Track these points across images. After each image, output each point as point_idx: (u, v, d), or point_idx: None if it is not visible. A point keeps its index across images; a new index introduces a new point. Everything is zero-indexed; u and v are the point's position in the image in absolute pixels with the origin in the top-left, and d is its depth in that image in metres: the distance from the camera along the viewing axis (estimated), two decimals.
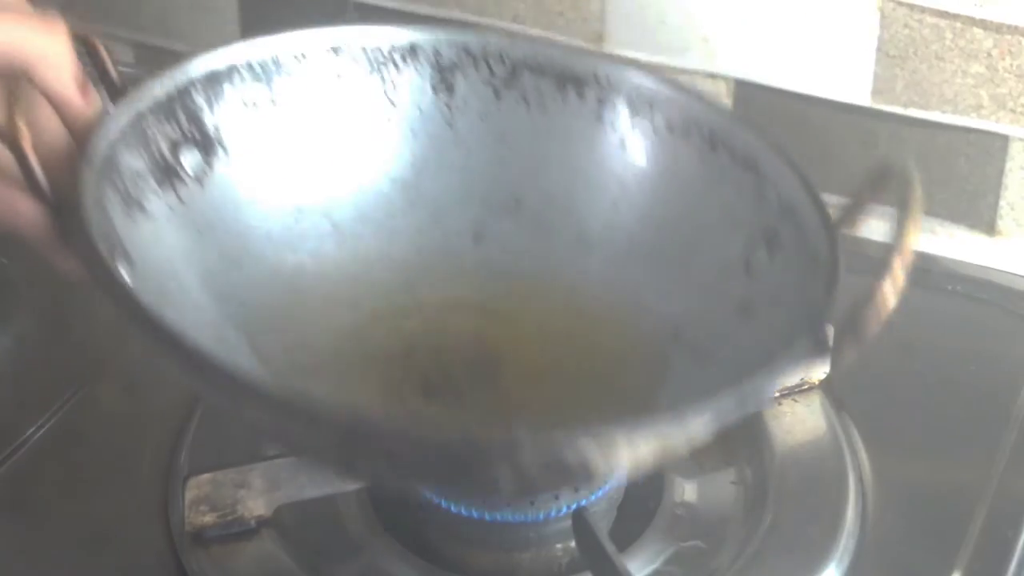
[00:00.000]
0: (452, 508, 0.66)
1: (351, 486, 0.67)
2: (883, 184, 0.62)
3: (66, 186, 0.59)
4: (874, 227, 0.62)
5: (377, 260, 0.72)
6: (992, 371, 0.77)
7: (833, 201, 0.63)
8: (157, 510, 0.68)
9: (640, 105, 0.71)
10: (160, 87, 0.66)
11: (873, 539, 0.68)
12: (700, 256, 0.69)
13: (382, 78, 0.72)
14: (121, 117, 0.63)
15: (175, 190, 0.66)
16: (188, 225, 0.66)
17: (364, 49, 0.72)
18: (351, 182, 0.72)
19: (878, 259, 0.60)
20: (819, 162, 0.69)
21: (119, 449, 0.72)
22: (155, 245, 0.63)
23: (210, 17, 0.98)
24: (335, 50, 0.71)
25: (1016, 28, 0.79)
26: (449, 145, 0.73)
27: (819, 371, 0.74)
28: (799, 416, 0.73)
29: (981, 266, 0.84)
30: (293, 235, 0.70)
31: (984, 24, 0.80)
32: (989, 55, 0.80)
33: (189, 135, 0.67)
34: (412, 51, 0.72)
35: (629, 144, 0.72)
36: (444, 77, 0.73)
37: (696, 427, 0.55)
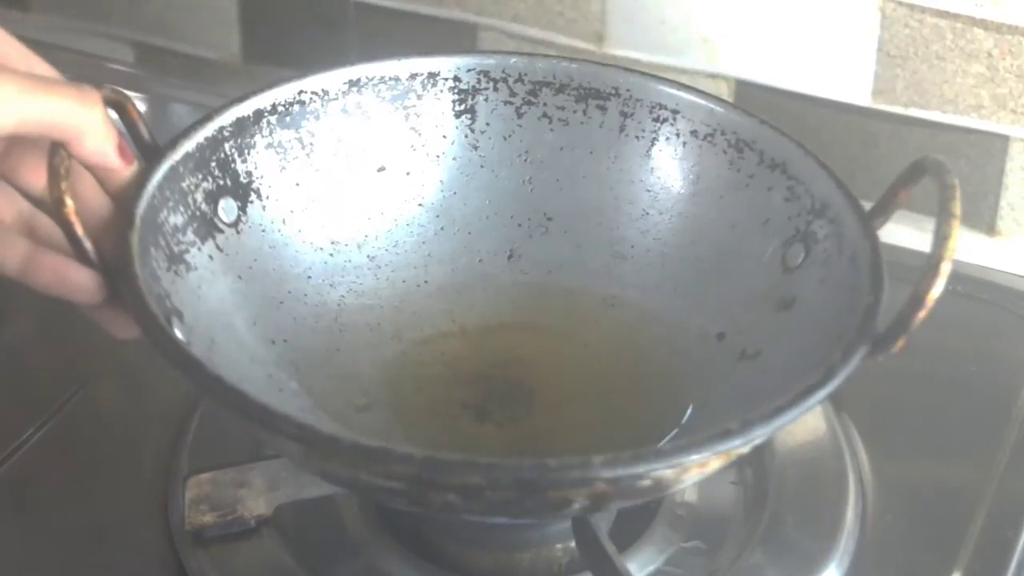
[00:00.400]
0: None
1: None
2: (916, 179, 0.62)
3: (112, 250, 0.60)
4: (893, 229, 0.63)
5: (415, 287, 0.73)
6: (992, 371, 0.77)
7: None
8: (157, 510, 0.68)
9: (663, 114, 0.72)
10: (191, 141, 0.67)
11: (873, 539, 0.68)
12: (736, 258, 0.70)
13: (404, 108, 0.73)
14: (157, 175, 0.64)
15: (214, 240, 0.67)
16: (229, 272, 0.67)
17: (384, 80, 0.73)
18: (382, 213, 0.74)
19: (896, 262, 0.61)
20: None
21: (119, 449, 0.72)
22: (200, 296, 0.65)
23: (210, 17, 0.98)
24: (356, 85, 0.72)
25: (1017, 28, 0.79)
26: (475, 168, 0.74)
27: None
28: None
29: (981, 266, 0.84)
30: (331, 271, 0.71)
31: (985, 24, 0.80)
32: (990, 55, 0.80)
33: (223, 184, 0.68)
34: (432, 79, 0.73)
35: (655, 153, 0.73)
36: (465, 101, 0.74)
37: (763, 435, 0.55)
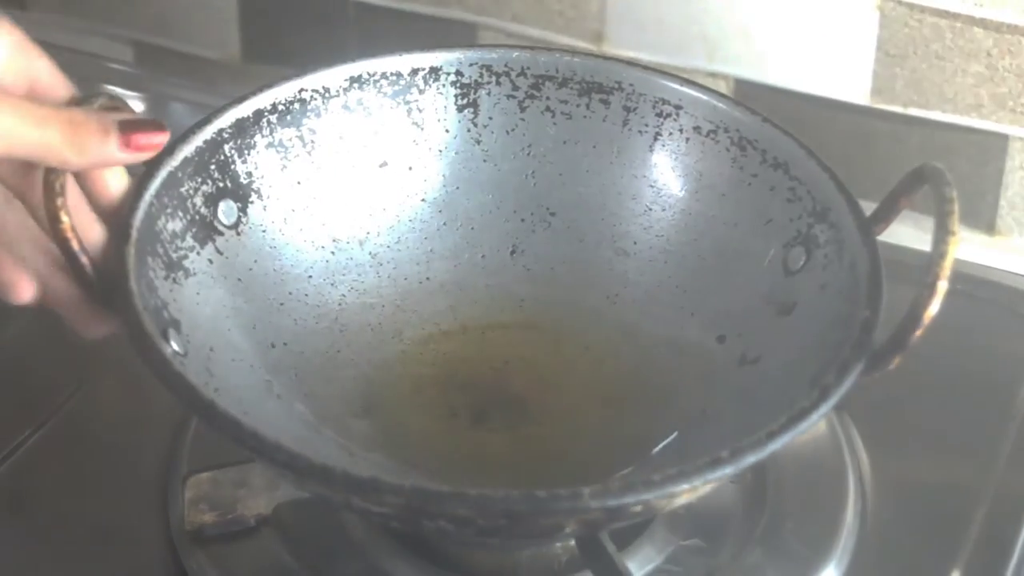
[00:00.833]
0: None
1: None
2: (916, 187, 0.62)
3: (108, 263, 0.60)
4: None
5: (417, 285, 0.73)
6: (992, 370, 0.77)
7: None
8: (157, 509, 0.68)
9: (666, 109, 0.72)
10: (189, 145, 0.67)
11: (873, 537, 0.68)
12: (738, 258, 0.70)
13: (406, 103, 0.73)
14: (154, 183, 0.64)
15: (213, 243, 0.67)
16: (229, 275, 0.67)
17: (386, 76, 0.72)
18: (384, 209, 0.73)
19: (897, 261, 0.61)
20: None
21: (119, 448, 0.72)
22: (199, 302, 0.65)
23: (209, 16, 0.98)
24: (357, 81, 0.72)
25: (1016, 27, 0.79)
26: (478, 162, 0.74)
27: None
28: None
29: (981, 265, 0.84)
30: (332, 270, 0.71)
31: (984, 23, 0.80)
32: (989, 54, 0.80)
33: (223, 187, 0.68)
34: (434, 73, 0.73)
35: (658, 148, 0.73)
36: (468, 96, 0.74)
37: (754, 461, 0.55)
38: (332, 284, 0.71)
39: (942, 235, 0.58)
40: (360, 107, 0.72)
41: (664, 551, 0.67)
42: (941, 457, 0.73)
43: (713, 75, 0.86)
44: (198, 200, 0.67)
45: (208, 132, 0.67)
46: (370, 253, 0.73)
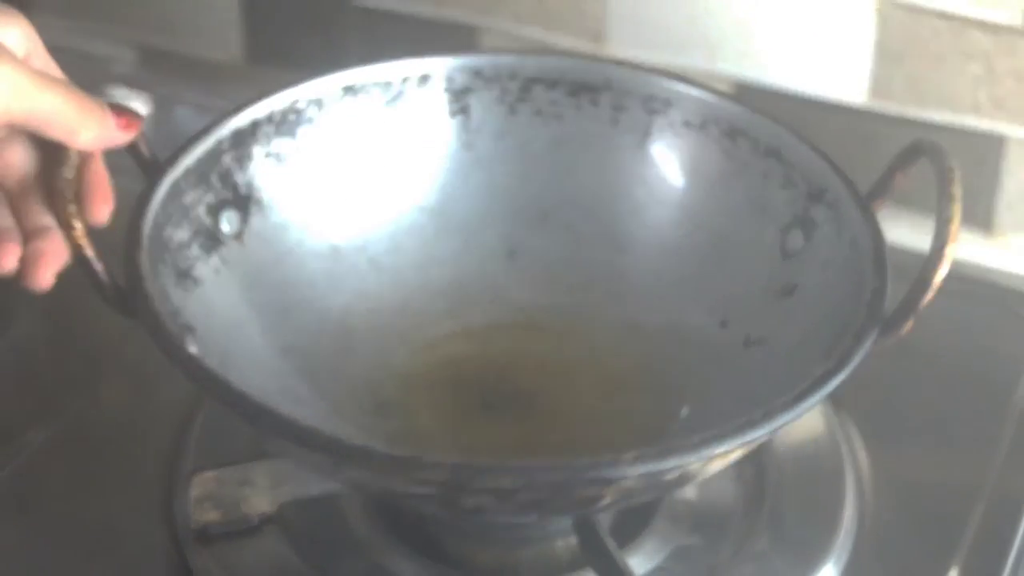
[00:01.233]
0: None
1: None
2: (913, 160, 0.63)
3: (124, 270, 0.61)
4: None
5: (418, 290, 0.73)
6: (989, 369, 0.77)
7: None
8: (161, 508, 0.69)
9: (655, 105, 0.72)
10: (190, 156, 0.67)
11: (871, 536, 0.68)
12: (735, 246, 0.70)
13: (398, 110, 0.73)
14: (160, 192, 0.65)
15: (218, 252, 0.68)
16: (234, 284, 0.68)
17: (377, 84, 0.73)
18: (382, 217, 0.74)
19: (896, 262, 0.62)
20: None
21: (123, 447, 0.73)
22: (210, 310, 0.65)
23: (212, 18, 0.98)
24: (350, 90, 0.72)
25: (1014, 29, 0.79)
26: (471, 167, 0.74)
27: None
28: None
29: (978, 266, 0.84)
30: (334, 277, 0.72)
31: (982, 24, 0.80)
32: (987, 55, 0.80)
33: (224, 197, 0.69)
34: (424, 80, 0.73)
35: (649, 144, 0.73)
36: (459, 101, 0.74)
37: (786, 422, 0.56)
38: (335, 291, 0.72)
39: (946, 200, 0.59)
40: (354, 116, 0.73)
41: (665, 549, 0.67)
42: (939, 455, 0.73)
43: (713, 75, 0.87)
44: (201, 210, 0.67)
45: (208, 142, 0.68)
46: (370, 260, 0.73)
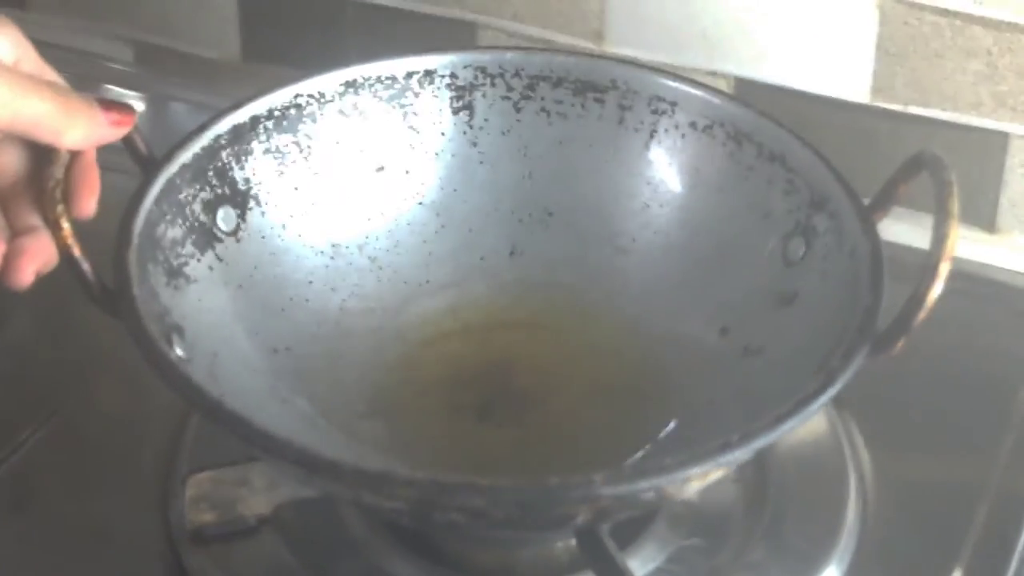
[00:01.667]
0: None
1: None
2: (914, 174, 0.63)
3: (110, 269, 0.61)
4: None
5: (417, 287, 0.73)
6: (992, 369, 0.77)
7: None
8: (157, 509, 0.68)
9: (661, 106, 0.72)
10: (187, 152, 0.67)
11: (874, 537, 0.68)
12: (737, 251, 0.70)
13: (402, 106, 0.73)
14: (153, 190, 0.64)
15: (213, 250, 0.67)
16: (229, 282, 0.67)
17: (380, 80, 0.73)
18: (382, 213, 0.74)
19: (896, 260, 0.62)
20: None
21: (119, 448, 0.73)
22: (201, 309, 0.65)
23: (210, 16, 0.98)
24: (352, 86, 0.72)
25: (1016, 25, 0.79)
26: (474, 164, 0.74)
27: None
28: None
29: (981, 264, 0.84)
30: (332, 275, 0.71)
31: (984, 21, 0.80)
32: (989, 52, 0.80)
33: (221, 193, 0.68)
34: (428, 76, 0.73)
35: (654, 145, 0.73)
36: (463, 98, 0.74)
37: (764, 444, 0.56)
38: (333, 289, 0.71)
39: (942, 216, 0.58)
40: (356, 112, 0.73)
41: (665, 550, 0.67)
42: (942, 455, 0.73)
43: (713, 74, 0.87)
44: (197, 207, 0.67)
45: (205, 139, 0.68)
46: (369, 257, 0.73)
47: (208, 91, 0.94)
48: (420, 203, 0.74)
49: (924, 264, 0.58)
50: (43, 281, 0.78)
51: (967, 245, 0.84)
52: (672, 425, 0.67)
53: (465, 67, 0.74)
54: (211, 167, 0.68)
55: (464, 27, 0.91)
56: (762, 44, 0.85)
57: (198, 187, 0.67)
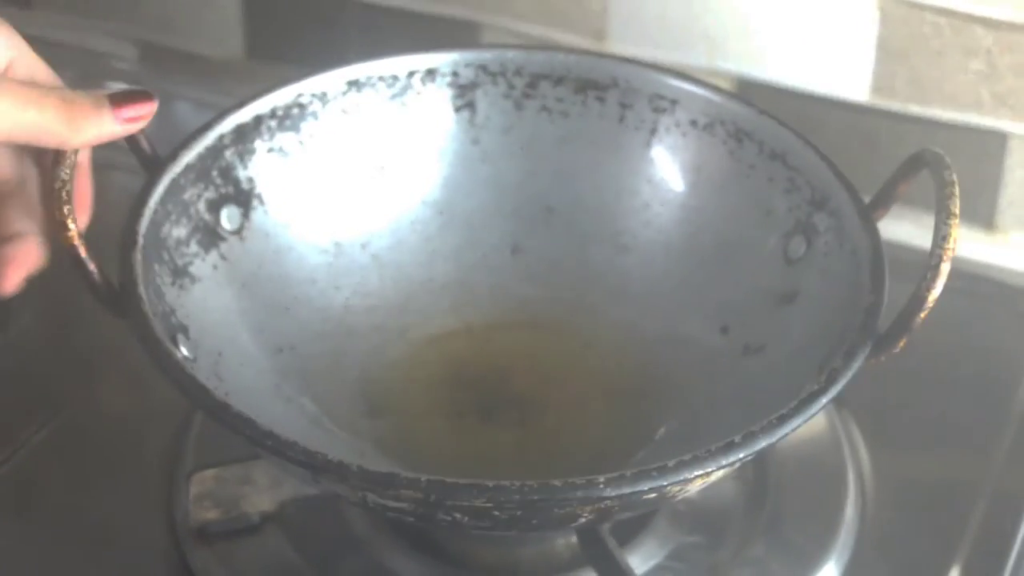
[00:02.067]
0: None
1: None
2: (915, 172, 0.63)
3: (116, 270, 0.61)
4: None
5: (420, 286, 0.73)
6: (991, 368, 0.77)
7: None
8: (161, 506, 0.69)
9: (662, 104, 0.72)
10: (191, 151, 0.67)
11: (872, 534, 0.68)
12: (738, 249, 0.70)
13: (404, 105, 0.73)
14: (158, 189, 0.65)
15: (218, 249, 0.68)
16: (233, 281, 0.68)
17: (382, 78, 0.73)
18: (385, 211, 0.74)
19: (898, 259, 0.62)
20: None
21: (122, 446, 0.73)
22: (206, 308, 0.65)
23: (213, 15, 0.98)
24: (355, 84, 0.72)
25: (1016, 25, 0.79)
26: (476, 162, 0.74)
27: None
28: None
29: (980, 263, 0.84)
30: (335, 273, 0.72)
31: (984, 21, 0.80)
32: (989, 52, 0.80)
33: (225, 192, 0.69)
34: (430, 75, 0.73)
35: (655, 143, 0.73)
36: (464, 96, 0.74)
37: (766, 445, 0.56)
38: (336, 287, 0.72)
39: (943, 216, 0.58)
40: (358, 110, 0.73)
41: (666, 547, 0.67)
42: (941, 454, 0.73)
43: (714, 73, 0.87)
44: (201, 206, 0.67)
45: (209, 138, 0.68)
46: (372, 255, 0.73)
47: (211, 90, 0.94)
48: (422, 201, 0.74)
49: (925, 263, 0.58)
50: (46, 281, 0.78)
51: (966, 244, 0.84)
52: (673, 424, 0.67)
53: (467, 65, 0.74)
54: (215, 166, 0.68)
55: (466, 26, 0.91)
56: (763, 43, 0.85)
57: (202, 186, 0.67)
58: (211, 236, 0.67)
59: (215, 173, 0.68)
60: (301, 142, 0.72)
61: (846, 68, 0.84)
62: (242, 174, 0.69)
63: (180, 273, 0.65)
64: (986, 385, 0.76)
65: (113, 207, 0.65)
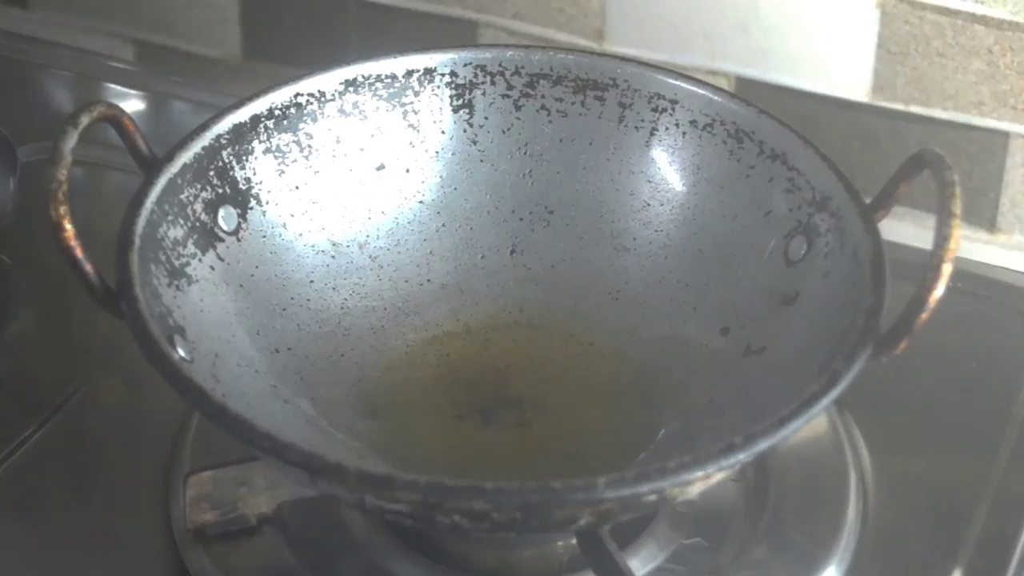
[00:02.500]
0: None
1: None
2: (916, 172, 0.63)
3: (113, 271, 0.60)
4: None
5: (418, 287, 0.73)
6: (993, 368, 0.77)
7: None
8: (158, 508, 0.68)
9: (662, 104, 0.72)
10: (188, 152, 0.67)
11: (874, 536, 0.68)
12: (739, 250, 0.70)
13: (402, 105, 0.73)
14: (155, 189, 0.64)
15: (215, 249, 0.67)
16: (231, 282, 0.67)
17: (380, 79, 0.73)
18: (383, 212, 0.74)
19: (898, 260, 0.62)
20: None
21: (120, 447, 0.73)
22: (203, 310, 0.65)
23: (211, 15, 0.98)
24: (352, 85, 0.72)
25: (1017, 25, 0.79)
26: (475, 162, 0.74)
27: None
28: None
29: (982, 263, 0.84)
30: (333, 274, 0.71)
31: (985, 20, 0.79)
32: (990, 52, 0.80)
33: (222, 193, 0.68)
34: (428, 75, 0.73)
35: (655, 143, 0.73)
36: (463, 96, 0.74)
37: (767, 447, 0.55)
38: (334, 288, 0.71)
39: (945, 217, 0.58)
40: (356, 110, 0.73)
41: (666, 550, 0.67)
42: (942, 455, 0.73)
43: (714, 73, 0.86)
44: (198, 207, 0.67)
45: (206, 138, 0.68)
46: (370, 256, 0.73)
47: (209, 90, 0.94)
48: (420, 202, 0.74)
49: (926, 264, 0.58)
50: (44, 281, 0.78)
51: (967, 244, 0.84)
52: (673, 426, 0.67)
53: (465, 65, 0.74)
54: (212, 167, 0.68)
55: (465, 25, 0.91)
56: (763, 43, 0.85)
57: (199, 187, 0.67)
58: (208, 237, 0.67)
59: (212, 173, 0.68)
60: (298, 142, 0.71)
61: (846, 68, 0.84)
62: (239, 174, 0.69)
63: (177, 274, 0.64)
64: (988, 386, 0.76)
65: (110, 207, 0.65)
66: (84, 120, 0.62)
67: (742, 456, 0.55)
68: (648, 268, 0.72)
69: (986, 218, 0.84)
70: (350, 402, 0.68)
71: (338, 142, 0.72)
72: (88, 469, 0.71)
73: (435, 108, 0.74)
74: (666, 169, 0.73)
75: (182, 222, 0.66)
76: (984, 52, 0.80)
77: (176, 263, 0.65)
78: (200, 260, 0.66)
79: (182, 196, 0.66)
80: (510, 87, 0.74)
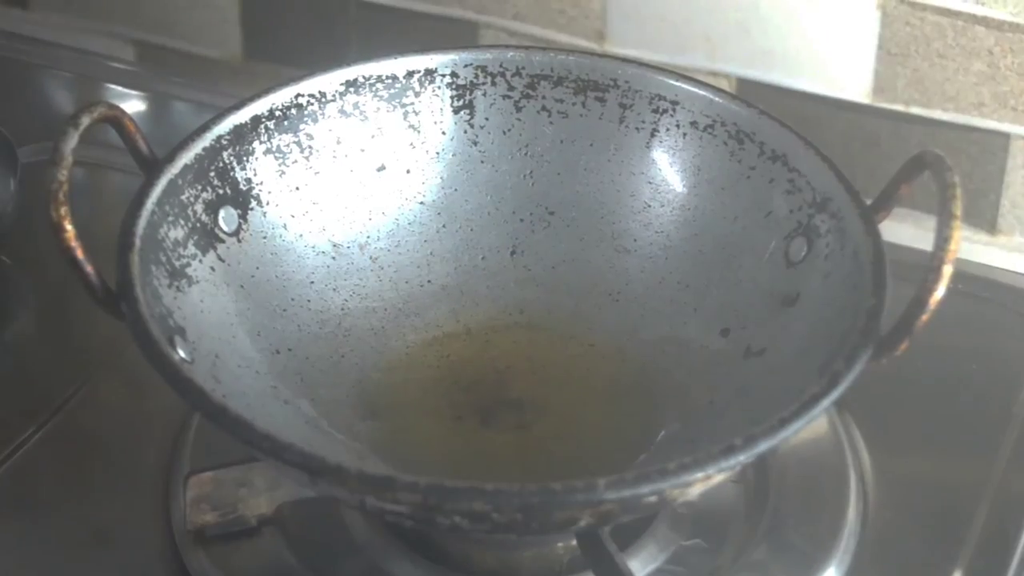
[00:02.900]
0: None
1: None
2: (917, 173, 0.63)
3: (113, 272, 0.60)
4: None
5: (418, 288, 0.73)
6: (993, 370, 0.77)
7: None
8: (158, 509, 0.68)
9: (662, 105, 0.72)
10: (189, 152, 0.67)
11: (874, 537, 0.68)
12: (739, 251, 0.70)
13: (402, 106, 0.73)
14: (155, 190, 0.64)
15: (215, 250, 0.67)
16: (231, 283, 0.67)
17: (381, 79, 0.73)
18: (383, 213, 0.74)
19: (899, 261, 0.62)
20: None
21: (120, 448, 0.72)
22: (203, 311, 0.65)
23: (211, 15, 0.98)
24: (353, 85, 0.72)
25: (1017, 26, 0.79)
26: (475, 163, 0.74)
27: None
28: None
29: (983, 264, 0.84)
30: (333, 275, 0.71)
31: (985, 22, 0.79)
32: (991, 53, 0.80)
33: (223, 194, 0.68)
34: (429, 76, 0.73)
35: (655, 144, 0.73)
36: (463, 97, 0.74)
37: (767, 448, 0.55)
38: (334, 289, 0.71)
39: (945, 218, 0.58)
40: (357, 111, 0.73)
41: (666, 551, 0.67)
42: (942, 456, 0.73)
43: (714, 74, 0.86)
44: (199, 207, 0.67)
45: (207, 139, 0.68)
46: (371, 257, 0.73)
47: (209, 90, 0.94)
48: (421, 203, 0.74)
49: (927, 266, 0.58)
50: (44, 281, 0.78)
51: (968, 246, 0.84)
52: (673, 427, 0.67)
53: (466, 66, 0.74)
54: (213, 167, 0.68)
55: (465, 26, 0.91)
56: (763, 44, 0.85)
57: (200, 187, 0.67)
58: (209, 237, 0.67)
59: (213, 174, 0.68)
60: (299, 143, 0.71)
61: (847, 69, 0.84)
62: (240, 175, 0.69)
63: (177, 275, 0.64)
64: (988, 387, 0.76)
65: (110, 208, 0.65)
66: (85, 121, 0.62)
67: (742, 457, 0.55)
68: (649, 269, 0.72)
69: (987, 219, 0.84)
70: (350, 403, 0.68)
71: (339, 143, 0.72)
72: (88, 470, 0.71)
73: (436, 109, 0.74)
74: (667, 170, 0.73)
75: (183, 223, 0.66)
76: (985, 53, 0.80)
77: (177, 264, 0.65)
78: (201, 261, 0.66)
79: (183, 197, 0.66)
80: (511, 88, 0.74)
